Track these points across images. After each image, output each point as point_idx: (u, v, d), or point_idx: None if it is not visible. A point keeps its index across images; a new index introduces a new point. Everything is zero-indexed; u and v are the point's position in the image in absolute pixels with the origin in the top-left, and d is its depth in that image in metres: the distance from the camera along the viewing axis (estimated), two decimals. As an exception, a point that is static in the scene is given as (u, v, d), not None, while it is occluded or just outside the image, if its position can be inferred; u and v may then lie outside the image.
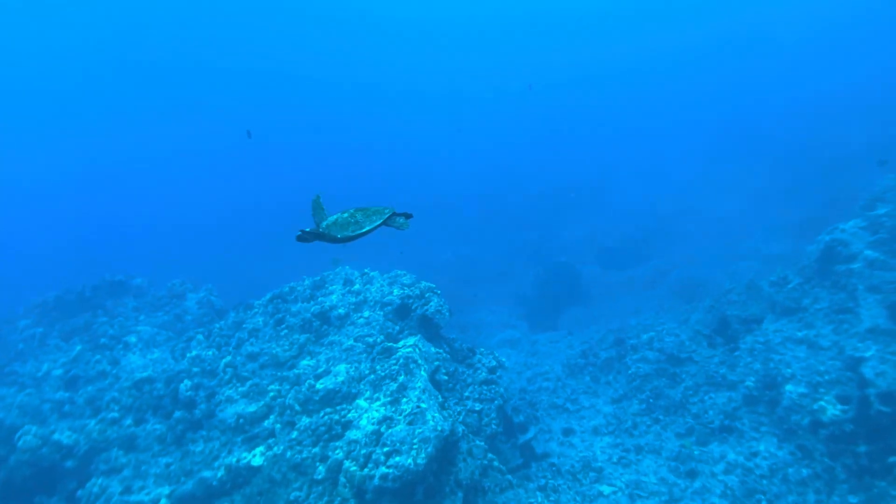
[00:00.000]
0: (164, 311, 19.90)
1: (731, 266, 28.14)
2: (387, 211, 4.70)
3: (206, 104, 78.24)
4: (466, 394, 12.46)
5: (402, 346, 11.52)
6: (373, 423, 10.01)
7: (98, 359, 15.81)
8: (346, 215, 4.64)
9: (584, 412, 14.90)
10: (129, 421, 13.40)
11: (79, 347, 16.52)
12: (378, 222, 4.60)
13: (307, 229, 4.57)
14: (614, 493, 11.00)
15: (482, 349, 14.01)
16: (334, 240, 4.61)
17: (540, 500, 10.37)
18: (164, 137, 70.96)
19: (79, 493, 11.83)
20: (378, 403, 10.48)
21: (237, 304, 17.21)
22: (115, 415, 13.51)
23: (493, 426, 12.12)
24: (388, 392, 10.60)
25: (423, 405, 9.99)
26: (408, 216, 4.81)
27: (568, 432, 14.15)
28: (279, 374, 13.40)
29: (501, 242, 40.63)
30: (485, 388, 12.79)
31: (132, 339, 16.73)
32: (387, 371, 11.09)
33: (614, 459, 12.25)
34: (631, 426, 13.17)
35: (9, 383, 16.20)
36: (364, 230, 4.57)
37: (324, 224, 4.64)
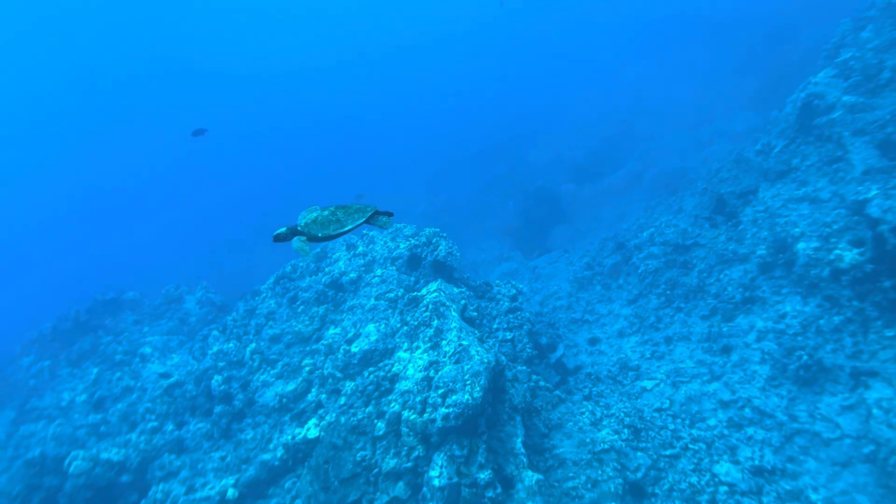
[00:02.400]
0: (166, 317, 19.69)
1: (702, 152, 28.70)
2: (369, 209, 4.63)
3: (164, 110, 75.21)
4: (495, 325, 12.73)
5: (427, 293, 11.65)
6: (420, 371, 10.20)
7: (119, 376, 15.68)
8: (326, 213, 4.58)
9: (603, 320, 15.34)
10: (170, 426, 13.44)
11: (95, 370, 16.34)
12: (360, 220, 4.55)
13: (284, 229, 4.53)
14: (657, 385, 11.50)
15: (497, 281, 14.23)
16: (314, 238, 4.55)
17: (590, 408, 10.79)
18: (125, 152, 68.20)
19: (142, 502, 11.96)
20: (419, 351, 10.66)
21: (243, 293, 17.10)
22: (155, 424, 13.53)
23: (528, 350, 12.46)
24: (426, 338, 10.78)
25: (465, 342, 10.20)
26: (389, 214, 4.78)
27: (594, 342, 14.60)
28: (307, 348, 13.49)
29: (472, 182, 40.58)
30: (511, 316, 13.08)
31: (146, 350, 16.59)
32: (419, 319, 11.24)
33: (647, 355, 12.74)
34: (655, 321, 13.65)
35: (34, 419, 16.05)
36: (345, 228, 4.53)
37: (303, 222, 4.57)
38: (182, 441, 12.93)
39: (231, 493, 11.07)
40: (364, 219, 4.56)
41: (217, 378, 13.50)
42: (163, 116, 73.99)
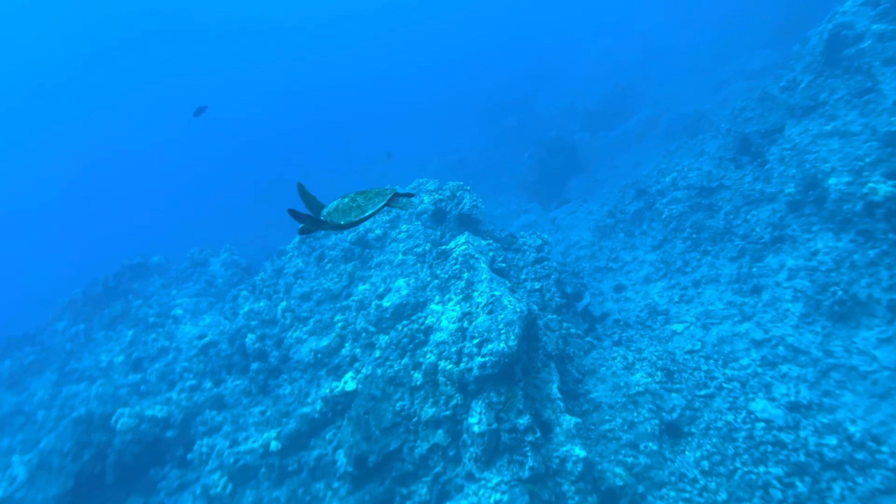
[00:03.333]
0: (193, 280, 19.99)
1: (720, 93, 28.10)
2: (388, 192, 4.60)
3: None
4: (522, 276, 12.83)
5: (456, 246, 11.73)
6: (454, 322, 10.36)
7: (154, 337, 16.07)
8: (346, 200, 4.55)
9: (628, 267, 15.39)
10: (208, 384, 13.83)
11: (130, 332, 16.75)
12: (380, 204, 4.52)
13: (307, 223, 4.53)
14: (687, 328, 11.62)
15: (522, 233, 14.26)
16: (337, 227, 4.57)
17: (622, 353, 10.96)
18: (140, 119, 67.63)
19: (188, 456, 12.43)
20: (452, 303, 10.81)
21: (269, 253, 17.30)
22: (193, 382, 13.93)
23: (557, 299, 12.58)
24: (458, 290, 10.90)
25: (497, 293, 10.32)
26: (410, 196, 4.77)
27: (619, 289, 14.69)
28: (337, 305, 13.70)
29: (484, 137, 40.10)
30: (538, 266, 13.16)
31: (178, 311, 16.94)
32: (449, 272, 11.35)
33: (675, 299, 12.83)
34: (681, 265, 13.68)
35: (75, 380, 16.57)
36: (367, 213, 4.50)
37: (325, 212, 4.55)
38: (222, 398, 13.32)
39: (274, 445, 11.45)
40: (384, 202, 4.55)
41: (251, 336, 13.79)
42: (174, 80, 73.15)
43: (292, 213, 4.51)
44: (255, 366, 13.35)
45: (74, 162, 61.56)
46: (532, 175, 29.55)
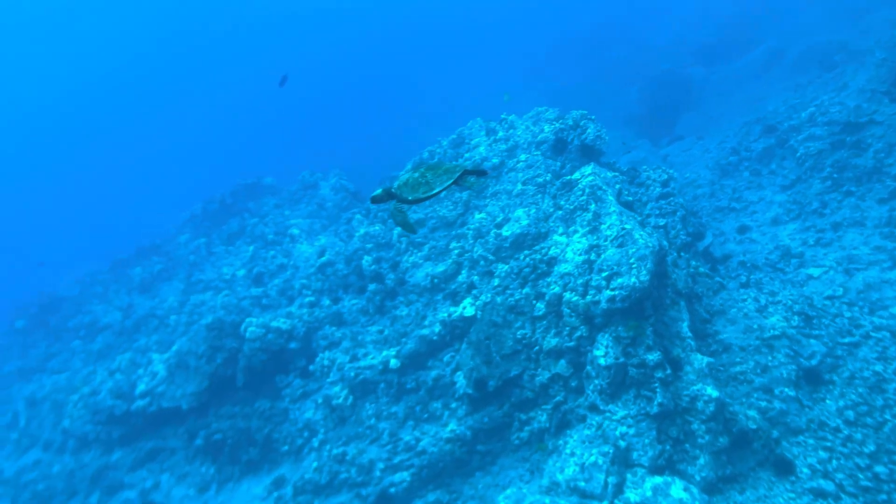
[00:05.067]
0: (304, 202, 20.67)
1: (859, 22, 25.37)
2: (457, 169, 4.62)
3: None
4: (647, 211, 12.42)
5: (582, 177, 11.43)
6: (580, 254, 10.23)
7: (273, 254, 16.90)
8: (416, 175, 4.64)
9: (753, 207, 14.58)
10: (326, 301, 14.48)
11: (251, 248, 17.68)
12: (448, 182, 4.56)
13: (380, 191, 4.70)
14: (825, 272, 10.97)
15: (645, 167, 13.72)
16: (405, 201, 4.68)
17: (753, 294, 10.52)
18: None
19: (310, 367, 13.21)
20: (578, 235, 10.64)
21: (381, 179, 17.57)
22: (312, 298, 14.62)
23: (682, 237, 12.15)
24: (584, 222, 10.70)
25: (628, 226, 10.05)
26: (482, 174, 4.76)
27: (743, 230, 13.99)
28: (452, 232, 13.81)
29: (585, 70, 38.16)
30: (663, 202, 12.68)
31: (295, 231, 17.65)
32: (575, 203, 11.12)
33: (811, 242, 12.08)
34: (819, 206, 12.79)
35: (201, 290, 17.81)
36: (434, 191, 4.58)
37: (395, 185, 4.68)
38: (340, 315, 13.95)
39: (393, 362, 11.95)
40: (452, 180, 4.58)
41: (367, 259, 14.21)
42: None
43: (375, 197, 4.78)
44: (371, 287, 13.81)
45: (205, 100, 63.72)
46: (640, 110, 28.14)
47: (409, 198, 4.66)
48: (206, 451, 12.54)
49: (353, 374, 12.20)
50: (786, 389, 8.80)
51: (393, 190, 4.72)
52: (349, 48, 61.41)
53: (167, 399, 13.25)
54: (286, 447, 12.21)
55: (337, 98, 47.71)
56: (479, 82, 39.64)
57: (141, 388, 13.65)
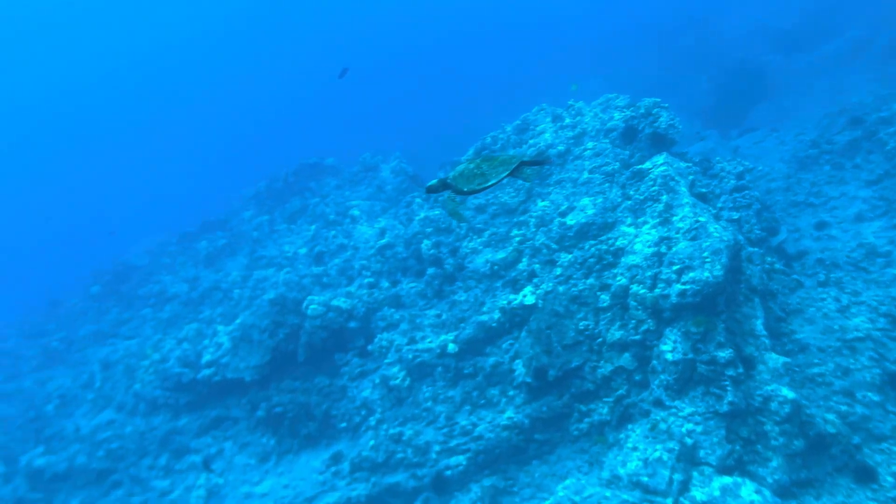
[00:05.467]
0: (364, 184, 20.87)
1: (956, 12, 23.67)
2: (514, 161, 4.58)
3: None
4: (719, 204, 11.96)
5: (654, 166, 11.09)
6: (649, 246, 9.96)
7: (334, 234, 17.15)
8: (472, 166, 4.64)
9: (833, 202, 13.87)
10: (385, 283, 14.62)
11: (313, 227, 17.99)
12: (503, 174, 4.54)
13: (435, 181, 4.79)
14: (917, 273, 10.34)
15: (718, 158, 13.22)
16: (460, 192, 4.70)
17: (834, 294, 10.03)
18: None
19: (369, 347, 13.37)
20: (647, 227, 10.36)
21: (442, 163, 17.55)
22: (371, 280, 14.77)
23: (756, 231, 11.69)
24: (655, 213, 10.40)
25: (702, 218, 9.72)
26: (540, 164, 4.82)
27: (821, 226, 13.33)
28: (514, 220, 13.68)
29: (651, 57, 36.90)
30: (737, 195, 12.22)
31: (356, 212, 17.85)
32: (645, 193, 10.82)
33: (900, 242, 11.40)
34: (909, 205, 12.07)
35: (263, 266, 18.26)
36: (489, 183, 4.58)
37: (451, 175, 4.72)
38: (399, 297, 14.05)
39: (451, 347, 11.96)
40: (508, 171, 4.56)
41: (426, 243, 14.24)
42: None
43: (431, 187, 4.87)
44: (430, 271, 13.85)
45: (270, 80, 65.01)
46: (710, 100, 27.10)
47: (464, 189, 4.69)
48: (267, 423, 12.90)
49: (410, 356, 12.29)
50: (869, 394, 8.38)
51: (448, 180, 4.76)
52: (416, 31, 61.31)
53: (231, 370, 13.68)
54: (344, 424, 12.43)
55: (401, 80, 47.82)
56: (543, 68, 38.96)
57: (207, 357, 14.14)
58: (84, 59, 79.81)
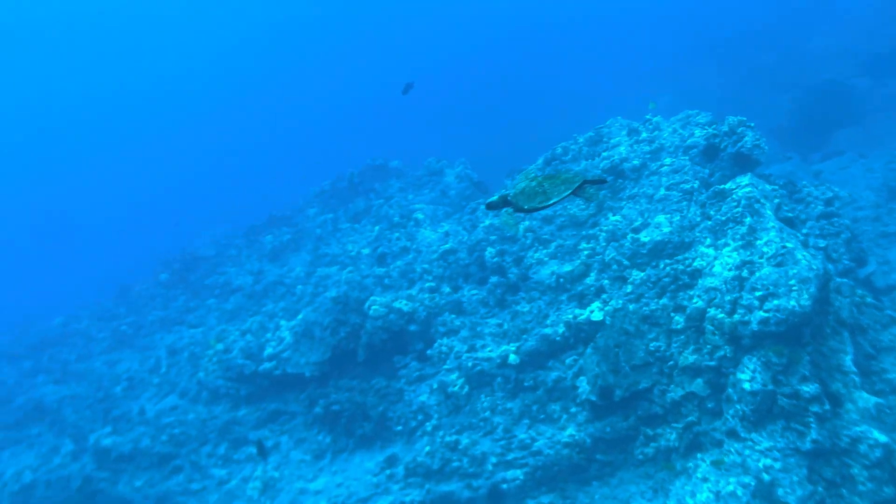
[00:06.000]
0: (428, 188, 20.93)
1: None
2: (577, 179, 4.52)
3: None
4: (805, 230, 11.41)
5: (737, 187, 10.65)
6: (730, 270, 9.56)
7: (397, 236, 17.24)
8: (533, 184, 4.60)
9: (928, 236, 13.06)
10: (446, 289, 14.56)
11: (377, 228, 18.15)
12: (566, 193, 4.48)
13: (496, 197, 4.82)
14: None
15: (804, 182, 12.62)
16: (520, 210, 4.70)
17: (936, 333, 9.38)
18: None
19: (428, 352, 13.33)
20: (728, 249, 9.94)
21: (510, 170, 17.42)
22: (432, 284, 14.75)
23: (845, 261, 11.10)
24: (737, 236, 9.97)
25: (789, 244, 9.26)
26: (602, 181, 4.70)
27: (914, 260, 12.56)
28: (582, 232, 13.41)
29: (724, 72, 35.66)
30: (824, 221, 11.64)
31: (419, 215, 17.90)
32: (727, 215, 10.40)
33: None
34: None
35: (327, 264, 18.52)
36: (550, 202, 4.52)
37: (512, 192, 4.71)
38: (460, 304, 13.97)
39: (512, 358, 11.79)
40: (570, 191, 4.49)
41: (490, 250, 14.13)
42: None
43: (490, 204, 4.91)
44: (493, 279, 13.72)
45: (338, 80, 66.59)
46: (789, 121, 25.97)
47: (525, 206, 4.69)
48: (323, 420, 13.02)
49: (470, 363, 12.19)
50: (967, 445, 7.76)
51: (509, 198, 4.75)
52: (487, 38, 61.38)
53: (292, 365, 13.88)
54: (399, 427, 12.41)
55: (471, 86, 47.83)
56: (611, 79, 38.33)
57: (268, 351, 14.41)
58: (165, 53, 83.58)
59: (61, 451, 13.91)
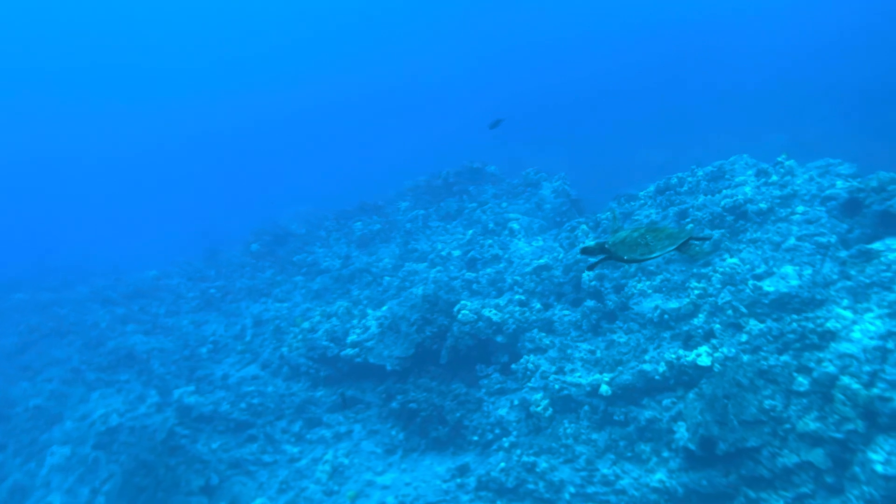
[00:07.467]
0: (523, 198, 20.55)
1: None
2: (682, 235, 4.38)
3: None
4: (953, 307, 10.38)
5: (888, 250, 9.82)
6: (872, 338, 8.82)
7: (490, 243, 16.96)
8: (636, 235, 4.50)
9: None
10: (537, 305, 14.17)
11: (470, 231, 17.95)
12: (670, 248, 4.38)
13: (592, 243, 4.73)
14: None
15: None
16: (619, 259, 4.60)
17: None
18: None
19: (513, 366, 12.99)
20: (872, 315, 9.18)
21: (616, 195, 16.84)
22: (522, 297, 14.39)
23: None
24: (885, 303, 9.20)
25: (947, 322, 8.40)
26: (707, 238, 4.12)
27: None
28: (692, 269, 12.73)
29: (855, 120, 33.21)
30: (976, 301, 10.54)
31: (515, 225, 17.57)
32: (873, 278, 9.60)
33: None
34: None
35: (415, 259, 18.45)
36: (653, 255, 4.45)
37: (612, 240, 4.61)
38: (551, 322, 13.58)
39: (605, 388, 11.31)
40: (674, 246, 4.36)
41: (588, 273, 13.64)
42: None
43: (586, 249, 4.84)
44: (589, 303, 13.23)
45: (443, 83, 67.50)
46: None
47: (625, 257, 4.58)
48: (398, 416, 12.89)
49: (557, 386, 11.80)
50: None
51: (608, 245, 4.65)
52: (599, 49, 60.43)
53: (374, 355, 13.83)
54: (475, 437, 12.13)
55: (575, 96, 47.02)
56: (721, 110, 36.61)
57: (352, 337, 14.42)
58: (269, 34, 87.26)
59: (147, 401, 14.37)
